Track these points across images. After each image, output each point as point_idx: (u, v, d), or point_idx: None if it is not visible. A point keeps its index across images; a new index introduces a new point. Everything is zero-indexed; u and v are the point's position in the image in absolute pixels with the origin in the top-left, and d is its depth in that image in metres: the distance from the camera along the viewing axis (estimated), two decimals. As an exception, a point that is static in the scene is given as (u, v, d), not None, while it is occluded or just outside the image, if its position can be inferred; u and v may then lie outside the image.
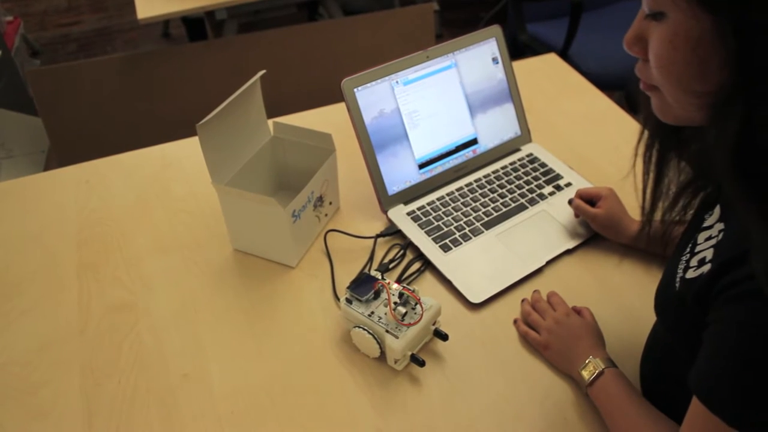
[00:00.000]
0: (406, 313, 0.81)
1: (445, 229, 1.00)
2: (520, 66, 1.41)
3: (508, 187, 1.08)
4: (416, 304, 0.82)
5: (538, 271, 0.95)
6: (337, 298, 0.93)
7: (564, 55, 1.96)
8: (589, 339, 0.81)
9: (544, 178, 1.10)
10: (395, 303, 0.81)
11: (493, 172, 1.11)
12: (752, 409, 0.50)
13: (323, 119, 1.28)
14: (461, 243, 0.98)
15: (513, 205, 1.05)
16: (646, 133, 0.66)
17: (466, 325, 0.88)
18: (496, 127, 1.13)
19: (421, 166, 1.06)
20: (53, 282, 0.98)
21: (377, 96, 1.01)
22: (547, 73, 1.42)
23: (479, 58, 1.10)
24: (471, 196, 1.06)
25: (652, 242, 0.73)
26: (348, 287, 0.84)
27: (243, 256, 1.01)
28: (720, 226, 0.60)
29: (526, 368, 0.82)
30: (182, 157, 1.22)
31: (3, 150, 2.15)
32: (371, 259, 0.99)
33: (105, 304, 0.94)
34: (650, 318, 0.71)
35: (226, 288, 0.96)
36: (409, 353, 0.81)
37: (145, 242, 1.04)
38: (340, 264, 0.98)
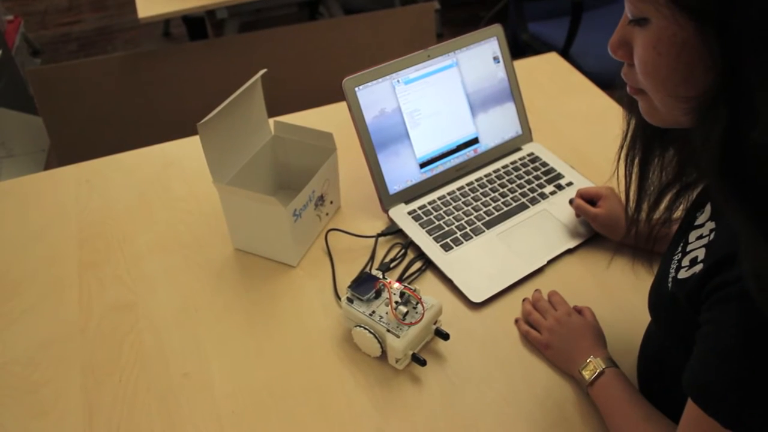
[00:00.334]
0: (407, 312, 0.81)
1: (446, 229, 1.00)
2: (521, 65, 1.41)
3: (509, 186, 1.08)
4: (417, 303, 0.82)
5: (539, 271, 0.95)
6: (338, 297, 0.93)
7: (565, 54, 1.96)
8: (590, 338, 0.81)
9: (545, 178, 1.10)
10: (396, 302, 0.81)
11: (494, 172, 1.11)
12: (746, 409, 0.50)
13: (324, 118, 1.28)
14: (462, 242, 0.98)
15: (514, 204, 1.05)
16: (630, 133, 0.66)
17: (467, 325, 0.88)
18: (497, 126, 1.13)
19: (422, 165, 1.06)
20: (54, 281, 0.98)
21: (378, 95, 1.01)
22: (548, 73, 1.42)
23: (480, 57, 1.10)
24: (472, 195, 1.06)
25: (640, 242, 0.73)
26: (349, 286, 0.84)
27: (244, 256, 1.01)
28: (711, 225, 0.60)
29: (527, 368, 0.82)
30: (183, 156, 1.22)
31: (3, 149, 2.15)
32: (372, 258, 0.98)
33: (106, 303, 0.94)
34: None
35: (226, 287, 0.95)
36: (410, 352, 0.81)
37: (146, 241, 1.04)
38: (341, 263, 0.98)
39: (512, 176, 1.10)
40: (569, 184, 1.08)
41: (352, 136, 1.00)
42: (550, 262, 0.96)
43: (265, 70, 1.00)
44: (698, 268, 0.58)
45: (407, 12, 2.08)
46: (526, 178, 1.10)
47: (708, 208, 0.63)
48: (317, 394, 0.80)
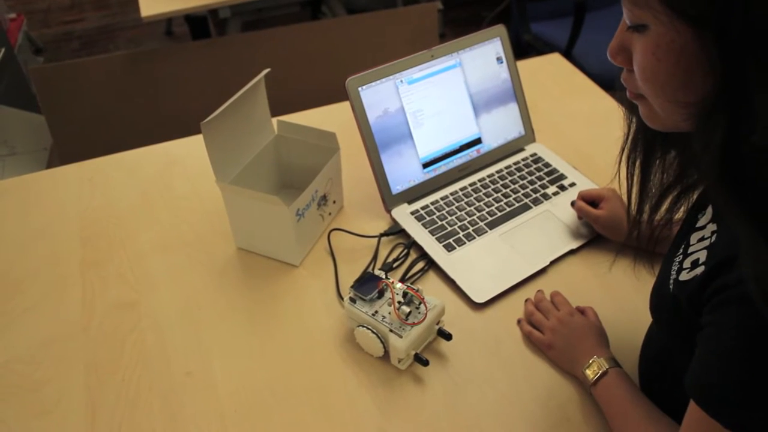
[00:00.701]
0: (410, 312, 0.81)
1: (449, 229, 1.00)
2: (524, 66, 1.41)
3: (512, 186, 1.08)
4: (420, 303, 0.82)
5: (541, 271, 0.95)
6: (340, 297, 0.93)
7: (568, 54, 1.95)
8: (592, 338, 0.81)
9: (548, 178, 1.10)
10: (399, 302, 0.81)
11: (497, 172, 1.11)
12: (747, 410, 0.51)
13: (327, 118, 1.28)
14: (465, 242, 0.98)
15: (517, 204, 1.05)
16: (631, 135, 0.66)
17: (470, 325, 0.88)
18: (500, 126, 1.13)
19: (425, 165, 1.06)
20: (56, 279, 0.98)
21: (381, 95, 1.01)
22: (551, 73, 1.42)
23: (484, 58, 1.10)
24: (475, 195, 1.06)
25: (642, 243, 0.73)
26: (352, 286, 0.84)
27: (246, 255, 1.01)
28: (713, 227, 0.60)
29: (530, 368, 0.82)
30: (186, 155, 1.22)
31: (6, 147, 2.15)
32: (375, 258, 0.98)
33: (108, 302, 0.94)
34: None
35: (229, 286, 0.95)
36: (413, 352, 0.81)
37: (149, 240, 1.04)
38: (343, 263, 0.98)
39: (515, 177, 1.10)
40: (572, 184, 1.08)
41: (356, 135, 1.00)
42: (553, 262, 0.96)
43: (268, 70, 1.00)
44: (699, 270, 0.58)
45: (410, 12, 2.08)
46: (529, 178, 1.10)
47: (709, 209, 0.63)
48: (320, 394, 0.80)
